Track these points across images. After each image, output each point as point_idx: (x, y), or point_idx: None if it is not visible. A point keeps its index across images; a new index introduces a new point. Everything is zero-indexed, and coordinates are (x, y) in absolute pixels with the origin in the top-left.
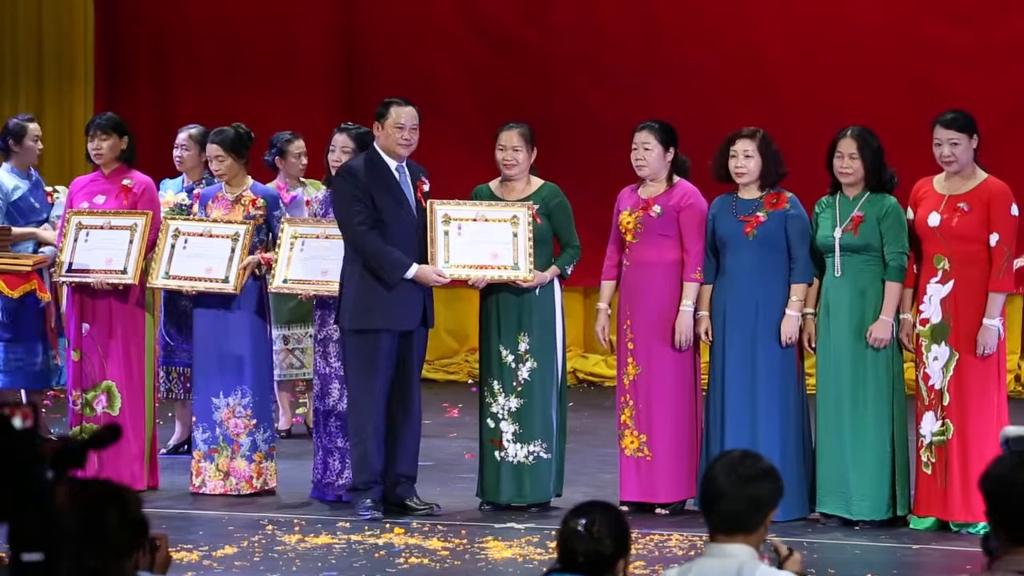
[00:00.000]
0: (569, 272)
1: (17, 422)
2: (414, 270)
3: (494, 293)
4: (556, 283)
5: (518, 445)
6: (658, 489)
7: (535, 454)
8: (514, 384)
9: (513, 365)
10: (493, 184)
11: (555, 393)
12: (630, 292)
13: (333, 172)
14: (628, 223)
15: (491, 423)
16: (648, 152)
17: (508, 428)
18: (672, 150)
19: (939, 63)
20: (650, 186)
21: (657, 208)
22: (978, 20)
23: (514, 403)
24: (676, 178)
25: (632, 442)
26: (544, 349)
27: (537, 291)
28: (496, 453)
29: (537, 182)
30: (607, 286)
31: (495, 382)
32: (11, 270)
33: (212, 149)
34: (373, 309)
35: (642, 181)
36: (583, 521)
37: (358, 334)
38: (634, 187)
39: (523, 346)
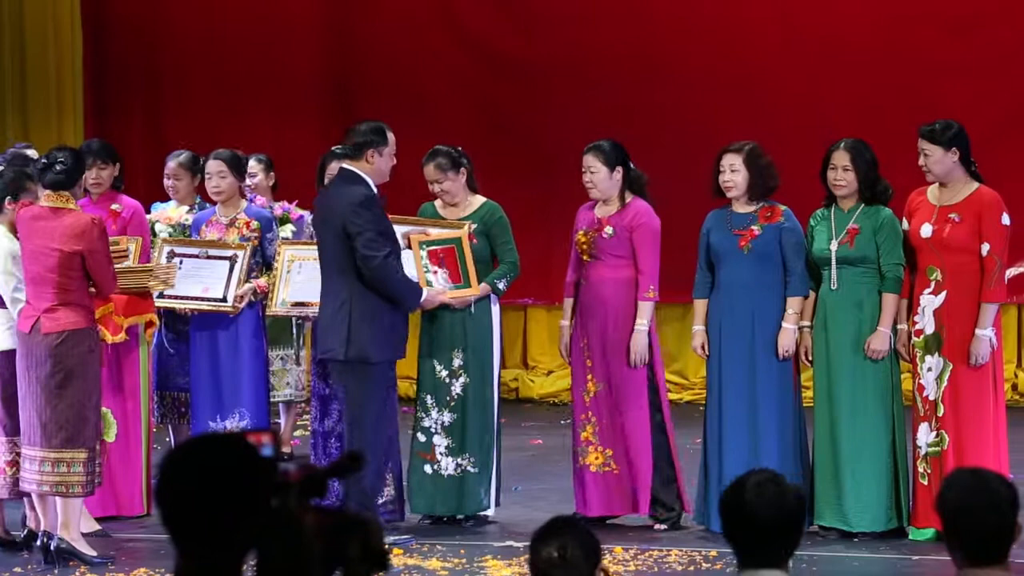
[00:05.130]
0: (502, 287)
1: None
2: (424, 294)
3: (431, 310)
4: (493, 300)
5: (449, 458)
6: (627, 501)
7: (463, 467)
8: (447, 399)
9: (447, 380)
10: (437, 203)
11: (493, 409)
12: (586, 311)
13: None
14: (582, 243)
15: (422, 437)
16: (594, 175)
17: (441, 442)
18: (620, 169)
19: (933, 73)
20: (604, 206)
21: (609, 229)
22: (971, 30)
23: (447, 417)
24: (629, 197)
25: (597, 458)
26: (479, 366)
27: (472, 308)
28: (427, 466)
29: (478, 200)
30: (568, 303)
31: (428, 397)
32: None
33: (214, 165)
34: (397, 340)
35: (598, 200)
36: (554, 548)
37: (383, 365)
38: (590, 205)
39: (456, 362)
